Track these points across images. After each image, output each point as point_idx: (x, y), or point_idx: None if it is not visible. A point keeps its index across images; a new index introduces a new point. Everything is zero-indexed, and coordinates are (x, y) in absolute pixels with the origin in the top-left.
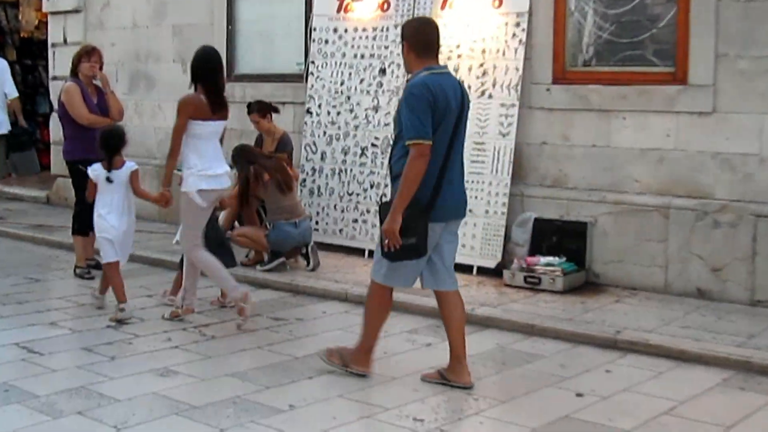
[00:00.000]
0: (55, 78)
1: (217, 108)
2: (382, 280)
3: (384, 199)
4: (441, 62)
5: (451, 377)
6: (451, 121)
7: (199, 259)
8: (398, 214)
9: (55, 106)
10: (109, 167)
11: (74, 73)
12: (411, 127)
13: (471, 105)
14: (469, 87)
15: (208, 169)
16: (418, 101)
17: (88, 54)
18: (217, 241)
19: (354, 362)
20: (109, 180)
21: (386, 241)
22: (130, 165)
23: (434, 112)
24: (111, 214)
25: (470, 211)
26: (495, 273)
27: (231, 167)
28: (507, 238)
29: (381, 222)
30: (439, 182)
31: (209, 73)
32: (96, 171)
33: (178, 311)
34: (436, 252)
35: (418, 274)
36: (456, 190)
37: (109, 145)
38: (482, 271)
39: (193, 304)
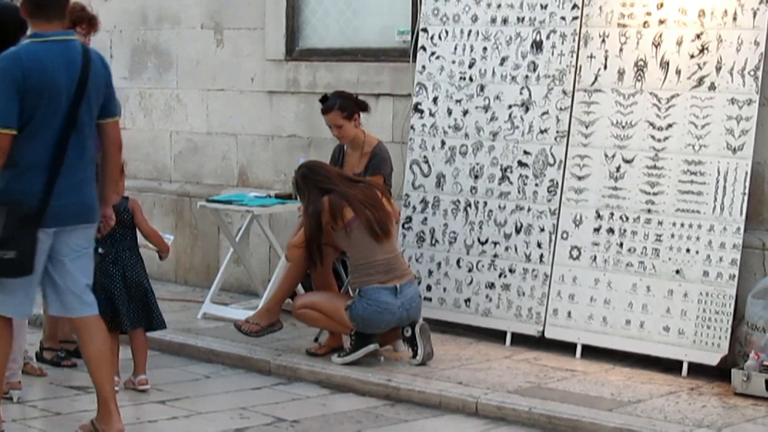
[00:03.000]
0: None
1: None
2: None
3: None
4: (618, 30)
5: (101, 426)
6: (60, 103)
7: None
8: None
9: None
10: None
11: None
12: None
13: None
14: (678, 71)
15: None
16: (2, 78)
17: (84, 20)
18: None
19: None
20: None
21: None
22: None
23: (27, 92)
24: None
25: (677, 272)
26: (718, 374)
27: (291, 198)
28: (738, 317)
29: None
30: (51, 179)
31: None
32: None
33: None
34: (56, 270)
35: (32, 299)
36: (76, 189)
37: None
38: (697, 369)
39: (18, 375)
